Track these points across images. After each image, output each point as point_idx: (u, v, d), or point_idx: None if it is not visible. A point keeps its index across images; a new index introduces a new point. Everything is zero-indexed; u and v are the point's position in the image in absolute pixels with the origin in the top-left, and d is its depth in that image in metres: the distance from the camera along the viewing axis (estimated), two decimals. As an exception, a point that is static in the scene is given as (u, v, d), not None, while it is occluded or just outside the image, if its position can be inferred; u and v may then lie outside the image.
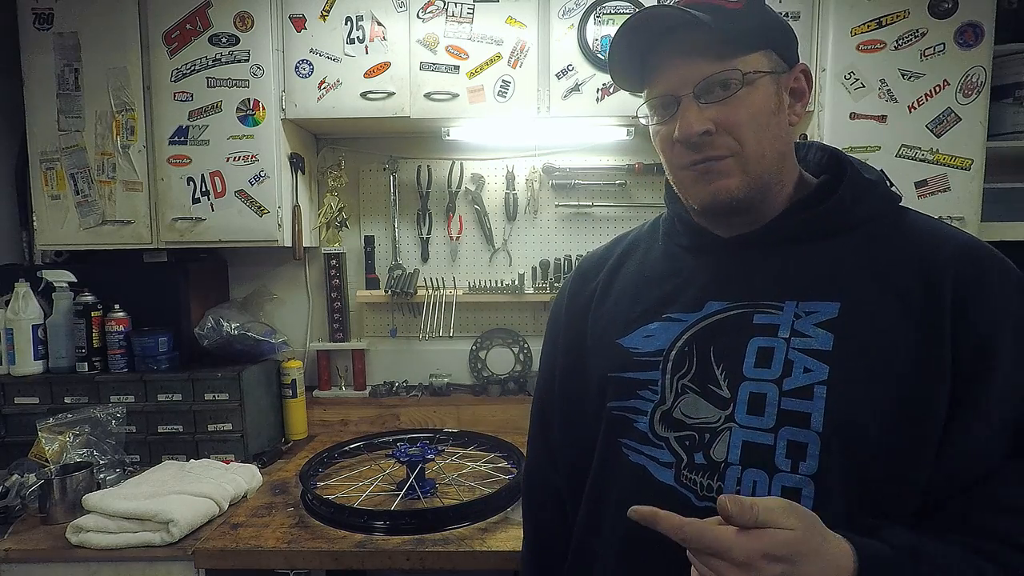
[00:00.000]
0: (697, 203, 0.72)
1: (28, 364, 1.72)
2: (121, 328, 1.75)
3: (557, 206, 2.02)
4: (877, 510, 0.61)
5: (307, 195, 1.93)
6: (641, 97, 0.75)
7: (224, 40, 1.68)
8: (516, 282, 1.97)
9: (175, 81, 1.69)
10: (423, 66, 1.68)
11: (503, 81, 1.69)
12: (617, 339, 0.77)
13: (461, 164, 2.02)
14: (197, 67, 1.69)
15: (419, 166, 2.02)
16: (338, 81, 1.69)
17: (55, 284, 1.74)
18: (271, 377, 1.93)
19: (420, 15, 1.67)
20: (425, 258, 2.07)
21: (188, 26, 1.68)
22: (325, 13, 1.68)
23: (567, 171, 2.00)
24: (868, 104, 1.62)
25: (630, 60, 0.72)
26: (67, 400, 1.71)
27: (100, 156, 1.71)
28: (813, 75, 1.61)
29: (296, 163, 1.83)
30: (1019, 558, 0.57)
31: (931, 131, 1.62)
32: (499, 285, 1.98)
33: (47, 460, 1.50)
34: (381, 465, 1.65)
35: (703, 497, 0.65)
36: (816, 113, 1.66)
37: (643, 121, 0.76)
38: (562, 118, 1.72)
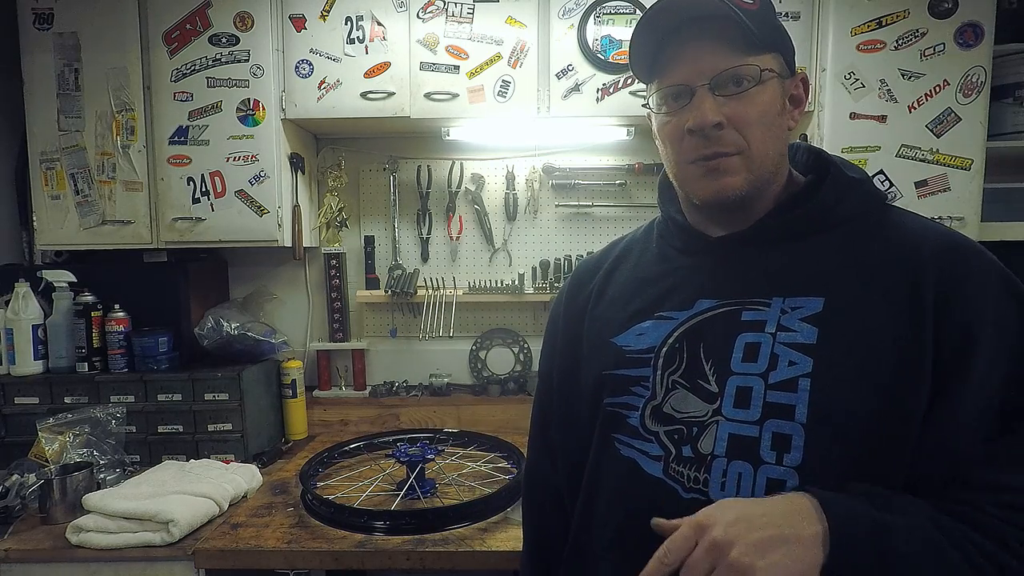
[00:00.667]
0: (700, 198, 0.74)
1: (28, 364, 1.72)
2: (121, 328, 1.75)
3: (557, 206, 2.02)
4: None
5: (307, 195, 1.93)
6: (643, 94, 0.77)
7: (224, 40, 1.68)
8: (516, 282, 1.97)
9: (175, 81, 1.69)
10: (423, 66, 1.68)
11: (503, 81, 1.69)
12: (611, 338, 0.79)
13: (461, 164, 2.02)
14: (197, 67, 1.69)
15: (419, 166, 2.02)
16: (338, 81, 1.69)
17: (55, 284, 1.74)
18: (271, 377, 1.93)
19: (420, 15, 1.67)
20: (425, 258, 2.07)
21: (188, 26, 1.68)
22: (325, 13, 1.68)
23: (567, 171, 2.00)
24: (868, 104, 1.62)
25: (646, 46, 0.73)
26: (67, 400, 1.71)
27: (100, 156, 1.71)
28: (813, 75, 1.64)
29: (296, 163, 1.83)
30: (980, 517, 0.58)
31: (931, 131, 1.62)
32: (499, 285, 1.98)
33: (47, 460, 1.50)
34: (381, 465, 1.65)
35: (690, 489, 0.67)
36: (816, 113, 1.66)
37: (650, 110, 0.76)
38: (562, 118, 1.72)
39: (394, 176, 2.02)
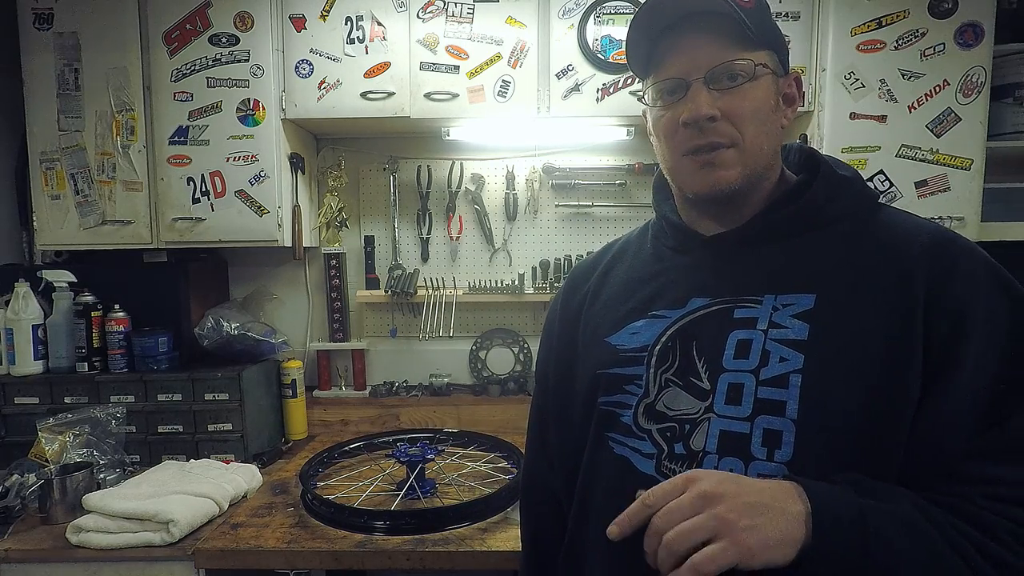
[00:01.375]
0: (693, 192, 0.75)
1: (28, 364, 1.72)
2: (121, 328, 1.75)
3: (557, 206, 2.02)
4: None
5: (307, 195, 1.93)
6: (642, 89, 0.77)
7: (224, 40, 1.68)
8: (516, 282, 1.97)
9: (175, 81, 1.69)
10: (423, 66, 1.68)
11: (503, 81, 1.69)
12: (605, 338, 0.79)
13: (461, 164, 2.02)
14: (197, 67, 1.69)
15: (419, 166, 2.02)
16: (338, 81, 1.69)
17: (55, 284, 1.74)
18: (271, 377, 1.93)
19: (420, 15, 1.67)
20: (425, 258, 2.07)
21: (188, 26, 1.68)
22: (325, 13, 1.68)
23: (567, 171, 2.00)
24: (868, 104, 1.62)
25: (642, 40, 0.74)
26: (67, 400, 1.71)
27: (100, 156, 1.71)
28: (813, 75, 1.64)
29: (296, 163, 1.83)
30: (970, 509, 0.58)
31: (931, 131, 1.62)
32: (499, 285, 1.98)
33: (47, 460, 1.50)
34: (381, 465, 1.65)
35: None
36: (816, 113, 1.66)
37: (645, 103, 0.77)
38: (562, 118, 1.72)
39: (394, 176, 2.02)
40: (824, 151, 1.61)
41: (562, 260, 1.98)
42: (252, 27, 1.68)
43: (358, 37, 1.68)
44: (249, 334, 1.82)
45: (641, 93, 0.79)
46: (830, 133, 1.64)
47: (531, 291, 1.99)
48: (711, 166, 0.71)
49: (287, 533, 1.34)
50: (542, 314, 2.07)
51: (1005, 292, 0.64)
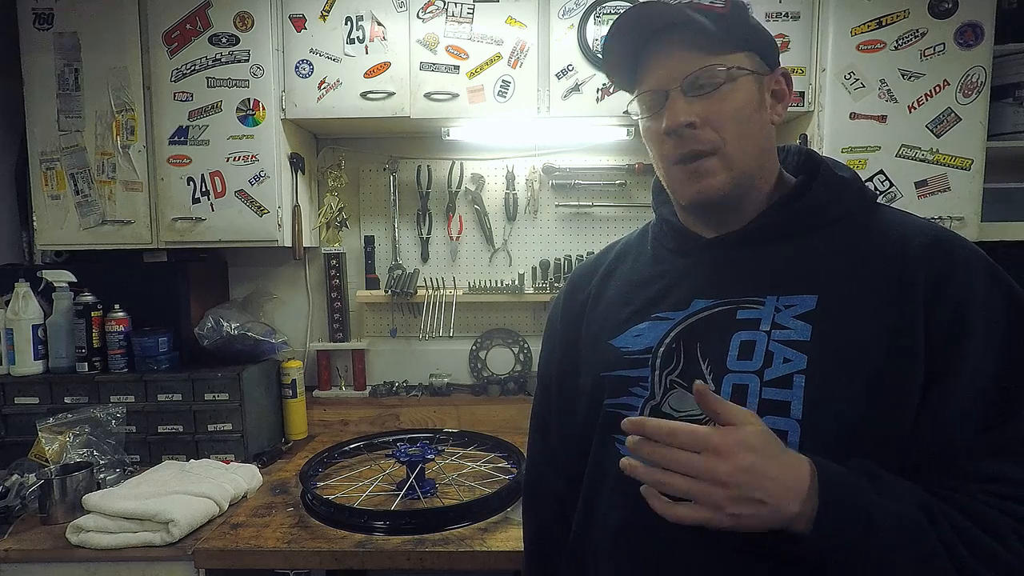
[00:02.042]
0: (685, 200, 0.76)
1: (28, 364, 1.72)
2: (121, 328, 1.75)
3: (557, 206, 2.02)
4: None
5: (307, 195, 1.93)
6: (629, 104, 0.79)
7: (224, 40, 1.68)
8: (516, 282, 1.97)
9: (175, 81, 1.69)
10: (423, 66, 1.68)
11: (503, 81, 1.69)
12: (609, 340, 0.80)
13: (461, 164, 2.02)
14: (197, 67, 1.69)
15: (419, 166, 2.02)
16: (338, 81, 1.69)
17: (55, 284, 1.74)
18: (271, 377, 1.93)
19: (420, 15, 1.67)
20: (425, 258, 2.07)
21: (188, 26, 1.68)
22: (325, 13, 1.68)
23: (567, 171, 2.00)
24: (868, 104, 1.62)
25: (622, 59, 0.76)
26: (67, 400, 1.71)
27: (100, 156, 1.71)
28: (813, 75, 1.64)
29: (296, 163, 1.83)
30: (975, 506, 0.59)
31: (931, 131, 1.62)
32: (499, 285, 1.98)
33: (47, 460, 1.50)
34: (381, 465, 1.65)
35: None
36: (816, 113, 1.66)
37: (634, 117, 0.79)
38: (562, 118, 1.72)
39: (394, 176, 2.02)
40: (824, 151, 1.61)
41: (562, 260, 1.98)
42: (252, 27, 1.68)
43: (358, 37, 1.68)
44: (249, 334, 1.82)
45: (627, 106, 0.80)
46: (830, 133, 1.64)
47: (531, 291, 1.99)
48: (697, 175, 0.72)
49: (287, 533, 1.34)
50: (542, 314, 2.07)
51: (1005, 291, 0.65)
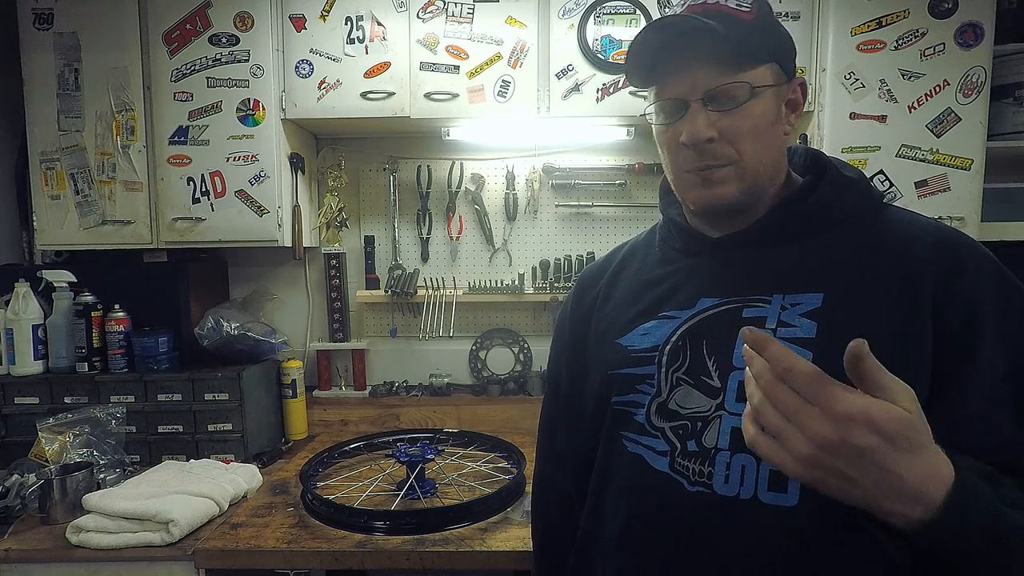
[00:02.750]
0: (695, 205, 0.76)
1: (28, 364, 1.72)
2: (121, 328, 1.75)
3: (557, 206, 2.02)
4: None
5: (307, 195, 1.93)
6: (646, 94, 0.78)
7: (224, 40, 1.68)
8: (516, 282, 1.97)
9: (175, 81, 1.69)
10: (423, 66, 1.68)
11: (503, 81, 1.69)
12: (616, 339, 0.80)
13: (461, 164, 2.02)
14: (197, 67, 1.69)
15: (419, 166, 2.02)
16: (338, 81, 1.69)
17: (55, 284, 1.74)
18: (271, 377, 1.93)
19: (420, 15, 1.67)
20: (425, 258, 2.07)
21: (188, 26, 1.68)
22: (325, 13, 1.68)
23: (567, 171, 2.00)
24: (868, 104, 1.62)
25: (644, 56, 0.74)
26: (67, 400, 1.71)
27: (100, 156, 1.71)
28: (813, 75, 1.64)
29: (296, 163, 1.83)
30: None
31: (931, 131, 1.62)
32: (499, 285, 1.98)
33: (47, 460, 1.50)
34: (381, 465, 1.65)
35: (695, 482, 0.68)
36: (816, 113, 1.66)
37: (649, 119, 0.78)
38: (562, 118, 1.72)
39: (394, 176, 2.02)
40: (824, 151, 1.61)
41: (562, 260, 1.98)
42: (252, 27, 1.68)
43: (358, 37, 1.68)
44: (249, 334, 1.82)
45: (644, 108, 0.79)
46: (830, 133, 1.64)
47: (531, 291, 1.99)
48: (709, 182, 0.72)
49: (287, 533, 1.34)
50: (542, 314, 2.07)
51: (1013, 288, 0.65)
